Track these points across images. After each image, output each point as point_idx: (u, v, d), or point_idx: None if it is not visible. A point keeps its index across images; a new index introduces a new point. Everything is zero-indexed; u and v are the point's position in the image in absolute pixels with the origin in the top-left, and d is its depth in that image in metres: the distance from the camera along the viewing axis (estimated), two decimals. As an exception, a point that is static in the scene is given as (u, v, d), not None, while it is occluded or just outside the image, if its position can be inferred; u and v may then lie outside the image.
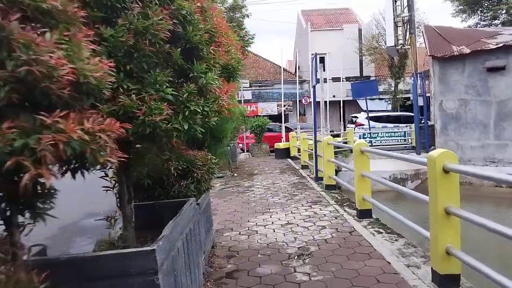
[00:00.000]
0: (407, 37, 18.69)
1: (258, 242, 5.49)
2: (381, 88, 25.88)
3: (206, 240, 4.89)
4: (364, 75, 32.39)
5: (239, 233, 6.03)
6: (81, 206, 5.25)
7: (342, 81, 27.87)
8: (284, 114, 31.55)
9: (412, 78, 18.26)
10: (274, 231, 6.00)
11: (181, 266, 2.90)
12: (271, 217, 6.88)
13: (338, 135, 20.82)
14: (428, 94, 18.97)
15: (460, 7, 32.76)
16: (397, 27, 19.11)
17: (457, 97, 16.75)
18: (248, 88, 32.07)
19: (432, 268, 3.81)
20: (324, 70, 24.85)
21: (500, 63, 15.92)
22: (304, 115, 33.18)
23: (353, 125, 21.30)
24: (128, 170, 2.94)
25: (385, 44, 27.90)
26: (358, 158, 6.27)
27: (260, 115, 28.03)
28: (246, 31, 33.69)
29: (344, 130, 22.86)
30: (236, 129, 11.98)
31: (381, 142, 18.90)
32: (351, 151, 7.51)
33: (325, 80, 25.18)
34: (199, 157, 3.97)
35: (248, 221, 6.67)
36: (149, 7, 2.34)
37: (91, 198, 4.41)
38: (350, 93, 24.36)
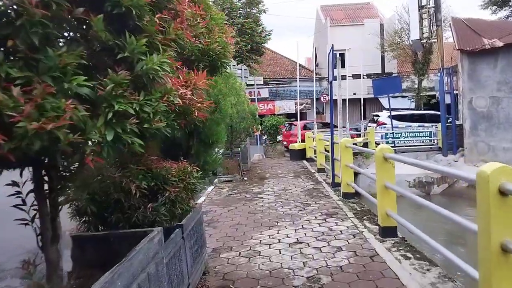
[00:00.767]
0: (433, 29, 17.39)
1: (259, 268, 4.56)
2: (404, 86, 24.57)
3: (194, 269, 4.00)
4: (385, 71, 31.13)
5: (239, 254, 5.11)
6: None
7: (363, 78, 26.67)
8: (302, 113, 30.68)
9: (439, 74, 16.97)
10: (280, 252, 5.06)
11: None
12: (278, 232, 5.95)
13: (359, 135, 19.69)
14: (456, 91, 17.63)
15: (490, -1, 30.91)
16: (422, 19, 17.81)
17: (489, 95, 15.47)
18: (265, 86, 31.22)
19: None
20: (343, 67, 23.82)
21: (538, 57, 14.58)
22: (323, 113, 32.09)
23: (374, 124, 20.12)
24: (53, 195, 2.07)
25: (408, 39, 26.67)
26: (381, 166, 5.27)
27: (277, 114, 27.09)
28: (263, 27, 33.01)
29: (365, 130, 21.66)
30: (246, 129, 11.10)
31: (404, 142, 17.68)
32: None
33: (344, 77, 24.17)
34: (174, 170, 3.06)
35: (252, 238, 5.75)
36: None
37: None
38: (371, 90, 23.20)
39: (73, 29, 1.64)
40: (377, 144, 17.36)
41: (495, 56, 15.26)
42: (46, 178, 2.06)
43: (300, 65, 32.93)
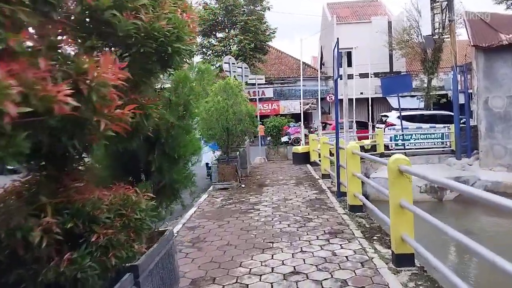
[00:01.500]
0: (446, 25, 16.35)
1: (244, 311, 3.66)
2: (413, 85, 23.54)
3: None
4: (394, 70, 30.11)
5: (223, 288, 4.21)
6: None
7: (370, 77, 25.64)
8: (307, 113, 29.68)
9: (452, 72, 15.93)
10: (271, 287, 4.15)
11: None
12: (272, 257, 5.03)
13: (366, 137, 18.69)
14: (470, 91, 16.57)
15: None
16: (434, 14, 16.78)
17: (506, 94, 14.39)
18: (268, 85, 30.27)
19: None
20: (350, 66, 22.78)
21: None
22: (329, 113, 31.10)
23: (383, 125, 19.09)
24: None
25: (417, 36, 25.62)
26: (396, 180, 4.33)
27: (282, 114, 26.13)
28: (267, 25, 32.06)
29: (373, 131, 20.63)
30: (243, 132, 10.17)
31: (415, 145, 16.63)
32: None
33: (351, 76, 23.11)
34: (108, 202, 2.16)
35: (241, 265, 4.84)
36: None
37: None
38: (379, 89, 22.20)
39: None
40: (386, 146, 16.35)
41: (514, 53, 14.21)
42: None
43: (305, 64, 31.99)
